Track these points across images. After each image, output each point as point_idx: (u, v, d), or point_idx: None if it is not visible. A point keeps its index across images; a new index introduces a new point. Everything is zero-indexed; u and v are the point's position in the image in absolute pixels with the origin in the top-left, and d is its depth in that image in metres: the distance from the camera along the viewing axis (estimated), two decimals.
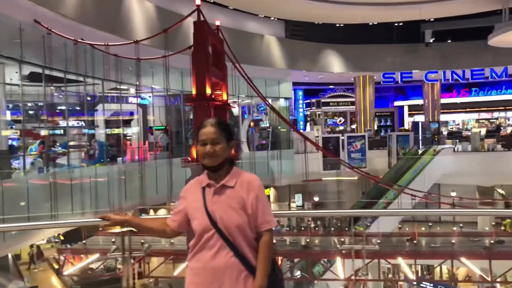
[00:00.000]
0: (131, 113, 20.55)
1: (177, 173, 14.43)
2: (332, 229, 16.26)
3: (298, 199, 25.83)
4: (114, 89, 17.18)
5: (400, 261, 11.97)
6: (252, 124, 27.69)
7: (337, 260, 11.86)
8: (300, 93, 34.11)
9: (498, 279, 15.12)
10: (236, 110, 25.21)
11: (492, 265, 12.92)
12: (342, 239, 12.09)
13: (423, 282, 21.79)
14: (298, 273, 14.75)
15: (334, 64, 27.98)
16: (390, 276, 17.13)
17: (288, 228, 19.62)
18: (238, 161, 13.93)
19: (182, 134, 20.30)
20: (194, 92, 11.18)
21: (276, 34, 25.68)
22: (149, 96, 19.59)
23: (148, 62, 15.38)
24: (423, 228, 15.27)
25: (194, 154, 11.08)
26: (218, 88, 12.64)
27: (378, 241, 11.36)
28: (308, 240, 12.29)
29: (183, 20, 13.24)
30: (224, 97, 12.83)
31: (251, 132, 26.76)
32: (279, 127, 26.93)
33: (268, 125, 28.29)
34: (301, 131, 31.98)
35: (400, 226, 14.80)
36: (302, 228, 17.67)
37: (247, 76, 13.25)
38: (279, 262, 14.32)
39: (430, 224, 13.77)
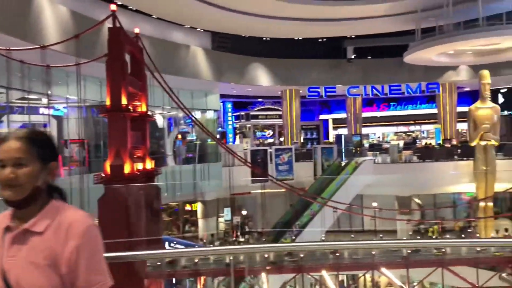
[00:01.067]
0: (45, 125, 18.99)
1: (95, 190, 13.39)
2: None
3: (226, 213, 25.41)
4: (22, 98, 15.71)
5: (324, 274, 11.99)
6: (179, 136, 26.94)
7: (262, 276, 11.57)
8: (229, 105, 33.95)
9: (416, 286, 15.77)
10: (161, 122, 24.35)
11: (411, 273, 13.57)
12: (266, 255, 11.86)
13: None
14: None
15: (262, 78, 28.18)
16: None
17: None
18: (158, 175, 13.20)
19: (101, 148, 19.10)
20: (108, 102, 10.43)
21: (203, 45, 25.34)
22: (64, 107, 18.23)
23: (62, 70, 14.27)
24: (352, 235, 15.53)
25: (108, 169, 10.28)
26: (137, 99, 11.96)
27: (302, 255, 11.28)
28: (231, 258, 11.90)
29: (96, 26, 12.43)
30: (143, 108, 12.16)
31: (178, 145, 26.00)
32: (208, 140, 26.46)
33: (195, 137, 27.68)
34: (230, 144, 31.79)
35: (324, 237, 14.93)
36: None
37: (168, 86, 12.69)
38: (202, 281, 13.78)
39: (352, 235, 14.01)
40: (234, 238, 22.86)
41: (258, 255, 12.27)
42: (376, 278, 20.43)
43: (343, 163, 23.08)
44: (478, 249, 11.71)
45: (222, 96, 29.18)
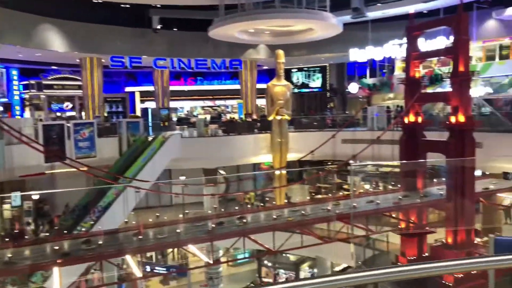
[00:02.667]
0: None
1: None
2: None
3: (14, 198, 21.82)
4: None
5: (128, 258, 11.20)
6: None
7: (54, 270, 10.07)
8: (15, 72, 29.00)
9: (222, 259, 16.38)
10: None
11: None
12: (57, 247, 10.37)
13: (156, 268, 22.06)
14: None
15: (55, 42, 24.72)
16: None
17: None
18: None
19: None
20: None
21: None
22: None
23: None
24: (157, 214, 14.94)
25: None
26: None
27: (100, 242, 10.22)
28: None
29: None
30: None
31: None
32: None
33: None
34: (18, 117, 27.36)
35: (126, 221, 13.88)
36: None
37: None
38: None
39: (157, 214, 13.53)
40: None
41: (48, 247, 10.66)
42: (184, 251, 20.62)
43: (150, 138, 22.20)
44: (274, 216, 12.64)
45: (4, 60, 24.60)
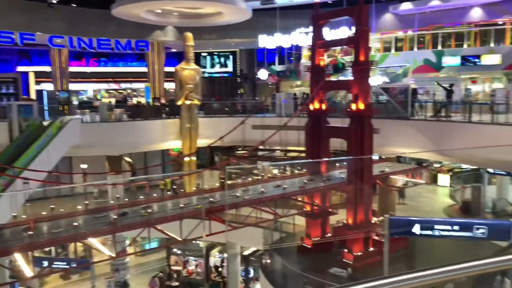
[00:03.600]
0: None
1: None
2: None
3: None
4: None
5: (17, 256, 10.11)
6: None
7: None
8: None
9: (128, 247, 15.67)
10: None
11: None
12: None
13: (55, 262, 20.48)
14: None
15: None
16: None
17: None
18: None
19: None
20: None
21: None
22: None
23: None
24: (52, 206, 13.63)
25: None
26: None
27: None
28: None
29: None
30: None
31: None
32: None
33: None
34: None
35: (15, 215, 12.41)
36: None
37: None
38: None
39: (52, 207, 12.39)
40: None
41: None
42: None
43: (45, 123, 20.33)
44: (181, 205, 12.26)
45: None
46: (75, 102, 30.62)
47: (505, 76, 27.64)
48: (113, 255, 10.78)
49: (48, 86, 29.50)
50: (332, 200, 17.67)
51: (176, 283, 23.42)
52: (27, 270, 10.10)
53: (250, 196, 13.77)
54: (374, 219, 16.06)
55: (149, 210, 11.88)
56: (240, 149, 27.26)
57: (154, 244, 23.67)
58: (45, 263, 18.71)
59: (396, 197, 22.31)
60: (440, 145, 16.65)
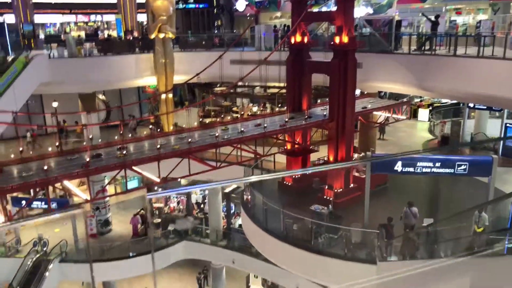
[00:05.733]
0: None
1: None
2: None
3: None
4: None
5: None
6: None
7: None
8: None
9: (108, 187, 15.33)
10: None
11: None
12: None
13: (34, 202, 20.21)
14: None
15: None
16: None
17: None
18: None
19: None
20: None
21: None
22: None
23: None
24: (21, 149, 12.96)
25: None
26: None
27: None
28: None
29: None
30: None
31: None
32: None
33: None
34: None
35: None
36: None
37: None
38: None
39: (21, 149, 11.73)
40: None
41: None
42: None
43: (9, 59, 18.97)
44: (158, 146, 11.75)
45: None
46: (42, 36, 28.65)
47: (491, 6, 26.92)
48: (88, 198, 10.40)
49: (10, 18, 27.40)
50: (313, 137, 17.43)
51: (158, 220, 23.57)
52: None
53: (230, 135, 13.36)
54: (355, 156, 15.97)
55: (124, 152, 11.37)
56: (218, 85, 26.43)
57: (134, 182, 23.46)
58: (23, 203, 18.39)
59: (377, 133, 22.27)
60: (425, 80, 16.31)
